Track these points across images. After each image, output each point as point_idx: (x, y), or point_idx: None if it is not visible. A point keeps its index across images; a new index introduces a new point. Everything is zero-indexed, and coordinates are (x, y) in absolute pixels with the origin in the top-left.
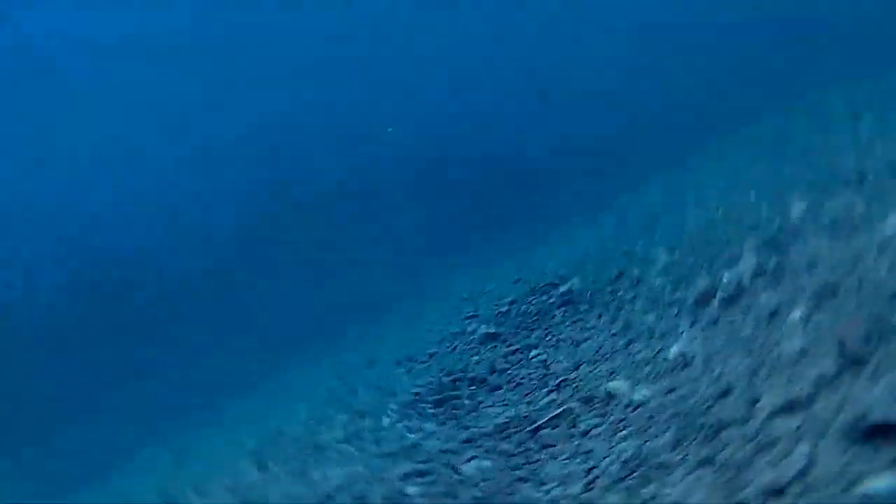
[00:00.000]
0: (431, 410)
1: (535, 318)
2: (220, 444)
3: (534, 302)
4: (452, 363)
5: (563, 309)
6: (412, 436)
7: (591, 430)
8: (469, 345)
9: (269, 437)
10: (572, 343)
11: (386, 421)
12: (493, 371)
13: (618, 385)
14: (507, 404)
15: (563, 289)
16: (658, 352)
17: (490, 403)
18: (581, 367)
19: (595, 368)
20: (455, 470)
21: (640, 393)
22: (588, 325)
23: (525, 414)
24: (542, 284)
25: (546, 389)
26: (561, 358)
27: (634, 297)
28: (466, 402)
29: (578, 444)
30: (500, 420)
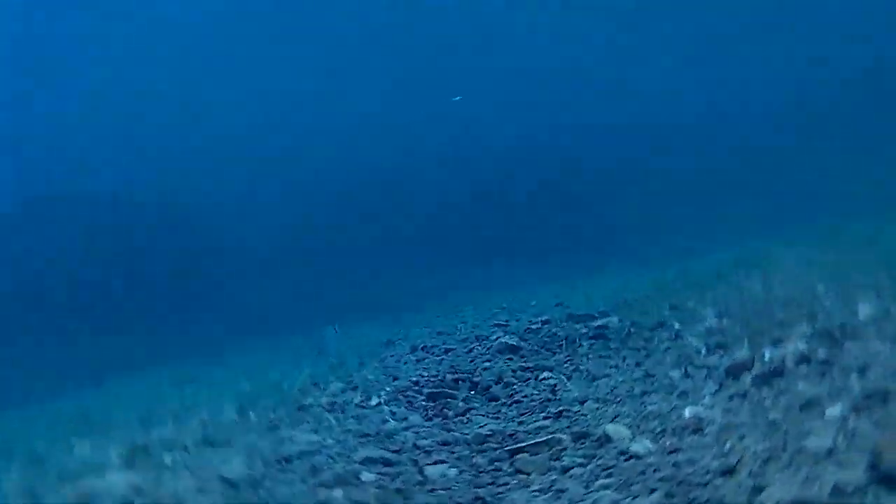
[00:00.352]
0: (423, 403)
1: (561, 343)
2: (218, 379)
3: (566, 327)
4: (463, 364)
5: (592, 342)
6: (393, 422)
7: (572, 467)
8: (487, 351)
9: (263, 387)
10: (588, 376)
11: (374, 401)
12: (498, 381)
13: (618, 430)
14: (497, 418)
15: (599, 322)
16: (673, 409)
17: (482, 412)
18: (587, 403)
19: (602, 407)
20: (420, 469)
21: (640, 445)
22: (610, 364)
23: (511, 432)
24: (580, 313)
25: (543, 414)
26: (571, 387)
27: (667, 350)
28: (460, 404)
29: (554, 480)
30: (484, 431)
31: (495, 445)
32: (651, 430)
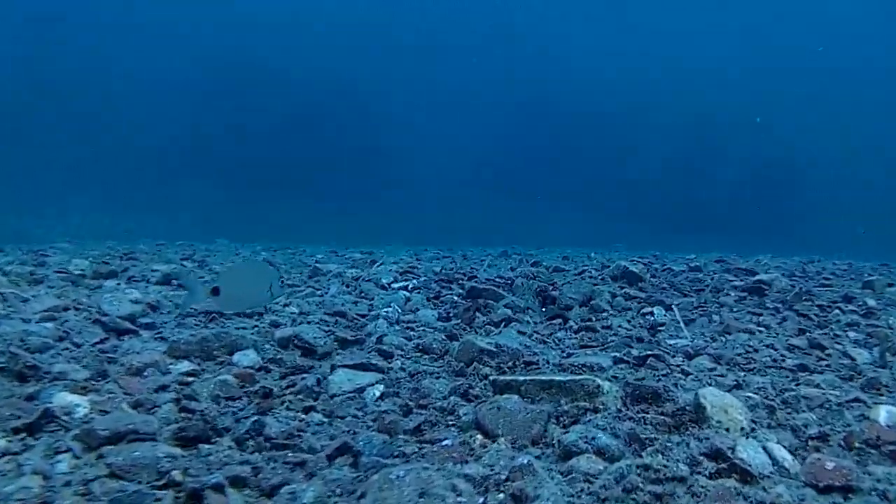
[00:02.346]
0: (456, 299)
1: (702, 288)
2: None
3: (717, 277)
4: (557, 279)
5: (742, 294)
6: (392, 309)
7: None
8: (599, 274)
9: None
10: (717, 327)
11: (399, 284)
12: (584, 303)
13: (725, 408)
14: (539, 340)
15: (760, 277)
16: (849, 402)
17: (523, 329)
18: (697, 358)
19: (716, 371)
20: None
21: (759, 450)
22: (758, 321)
23: (530, 359)
24: (741, 267)
25: (615, 353)
26: (685, 334)
27: (852, 326)
28: (502, 311)
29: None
30: (486, 345)
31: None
32: (794, 427)
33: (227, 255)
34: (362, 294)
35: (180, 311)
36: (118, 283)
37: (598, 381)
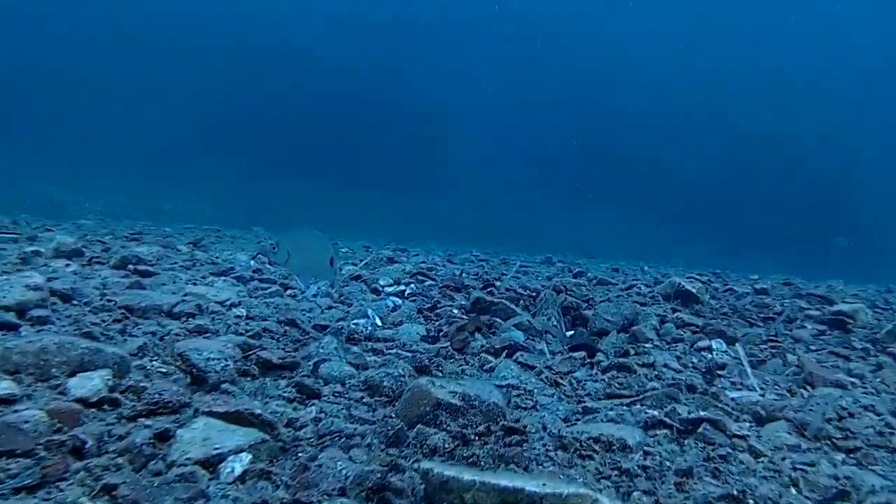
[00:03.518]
0: (456, 314)
1: (773, 316)
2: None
3: (787, 304)
4: (595, 295)
5: (822, 327)
6: (361, 322)
7: None
8: (650, 292)
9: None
10: (794, 375)
11: (393, 288)
12: (624, 328)
13: None
14: (544, 394)
15: (839, 308)
16: None
17: (529, 361)
18: (771, 424)
19: (804, 453)
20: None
21: None
22: (847, 367)
23: (514, 424)
24: (814, 293)
25: (647, 413)
26: (751, 380)
27: None
28: (506, 335)
29: None
30: (455, 401)
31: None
32: None
33: (225, 242)
34: (342, 298)
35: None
36: (67, 265)
37: (601, 499)
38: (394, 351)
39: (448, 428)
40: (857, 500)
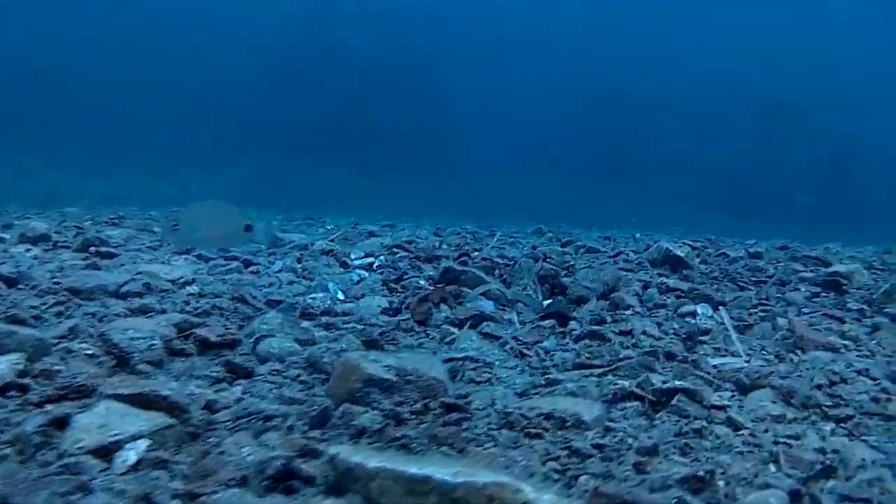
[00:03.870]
0: (423, 284)
1: (764, 280)
2: None
3: (781, 267)
4: (578, 263)
5: (815, 289)
6: (318, 295)
7: None
8: (636, 258)
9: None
10: (784, 339)
11: (366, 261)
12: (605, 295)
13: None
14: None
15: (835, 269)
16: None
17: (495, 330)
18: (756, 392)
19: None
20: None
21: None
22: (841, 329)
23: (451, 401)
24: (810, 255)
25: (617, 384)
26: (736, 345)
27: None
28: (474, 304)
29: None
30: (405, 365)
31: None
32: None
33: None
34: (305, 272)
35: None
36: (28, 249)
37: (524, 489)
38: (350, 325)
39: (380, 406)
40: (844, 477)
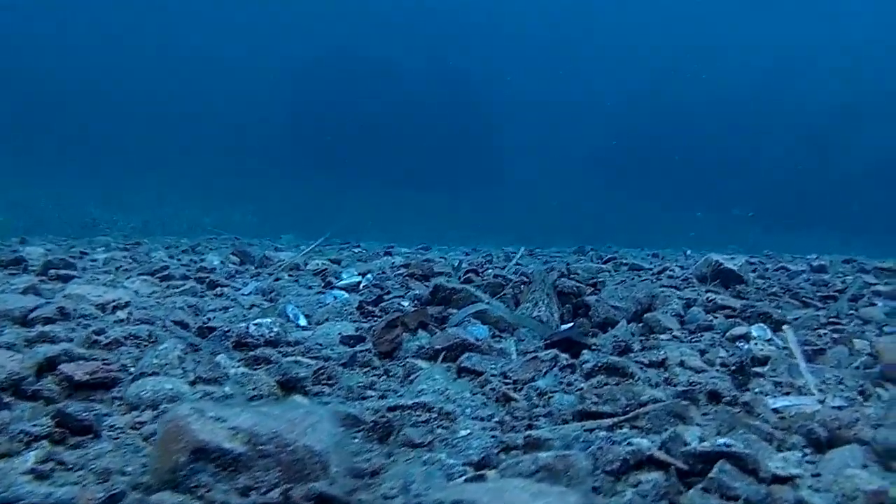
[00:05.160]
0: (404, 305)
1: (832, 295)
2: None
3: (849, 280)
4: (608, 282)
5: (893, 304)
6: (270, 326)
7: None
8: (681, 275)
9: None
10: (855, 374)
11: (345, 280)
12: (636, 316)
13: None
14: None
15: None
16: None
17: (489, 368)
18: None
19: None
20: None
21: None
22: None
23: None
24: (881, 266)
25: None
26: (805, 379)
27: None
28: (469, 335)
29: None
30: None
31: None
32: None
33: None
34: (272, 294)
35: None
36: None
37: None
38: (291, 358)
39: (208, 496)
40: None
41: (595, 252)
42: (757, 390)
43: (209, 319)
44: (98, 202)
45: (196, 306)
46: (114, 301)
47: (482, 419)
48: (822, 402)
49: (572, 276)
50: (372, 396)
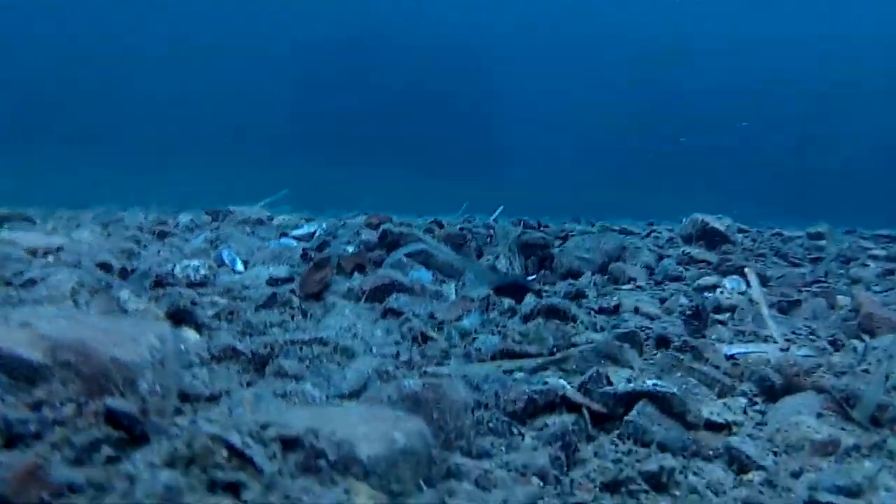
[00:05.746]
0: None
1: (820, 256)
2: None
3: (847, 247)
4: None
5: (890, 265)
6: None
7: None
8: (670, 237)
9: None
10: (841, 329)
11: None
12: (603, 268)
13: None
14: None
15: None
16: None
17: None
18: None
19: None
20: None
21: None
22: None
23: None
24: (881, 234)
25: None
26: (771, 332)
27: None
28: (409, 282)
29: None
30: None
31: None
32: None
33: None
34: (219, 242)
35: None
36: None
37: None
38: (207, 299)
39: None
40: None
41: (588, 220)
42: (714, 337)
43: (140, 264)
44: (100, 166)
45: (131, 251)
46: (45, 246)
47: (384, 356)
48: (784, 350)
49: (542, 228)
50: (274, 333)
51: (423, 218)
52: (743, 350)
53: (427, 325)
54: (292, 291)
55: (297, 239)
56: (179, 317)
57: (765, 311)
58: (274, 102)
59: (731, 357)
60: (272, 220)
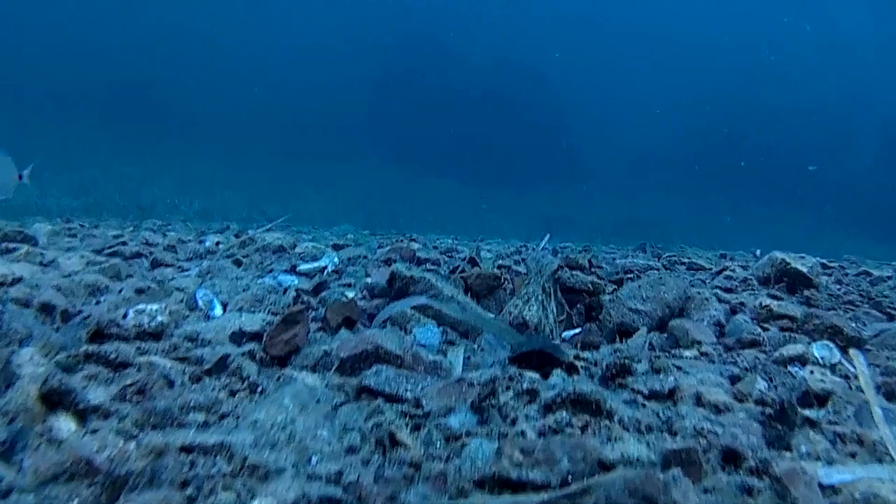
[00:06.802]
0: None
1: (818, 278)
2: None
3: (856, 279)
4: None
5: None
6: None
7: None
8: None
9: None
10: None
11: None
12: (678, 311)
13: None
14: None
15: None
16: None
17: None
18: None
19: None
20: None
21: None
22: None
23: None
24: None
25: None
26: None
27: None
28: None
29: None
30: None
31: None
32: None
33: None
34: (209, 276)
35: None
36: None
37: None
38: (144, 358)
39: None
40: None
41: (655, 249)
42: (803, 449)
43: (90, 306)
44: (166, 187)
45: (96, 286)
46: (8, 276)
47: (317, 479)
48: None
49: (594, 269)
50: (188, 425)
51: (474, 241)
52: (847, 476)
53: (402, 421)
54: (250, 354)
55: (302, 274)
56: (54, 399)
57: (877, 411)
58: (362, 130)
59: (827, 487)
60: (295, 247)
